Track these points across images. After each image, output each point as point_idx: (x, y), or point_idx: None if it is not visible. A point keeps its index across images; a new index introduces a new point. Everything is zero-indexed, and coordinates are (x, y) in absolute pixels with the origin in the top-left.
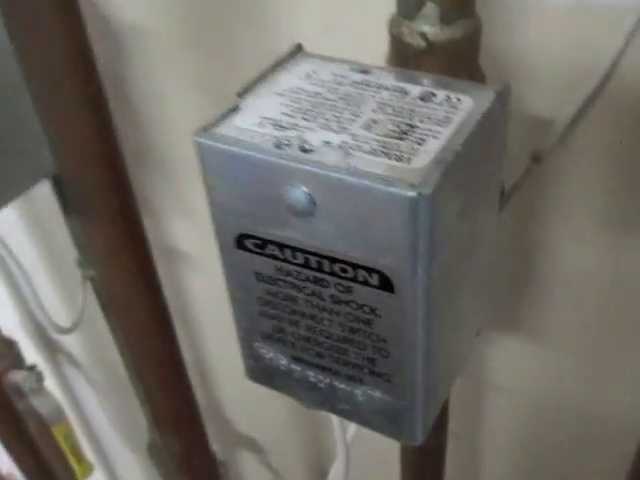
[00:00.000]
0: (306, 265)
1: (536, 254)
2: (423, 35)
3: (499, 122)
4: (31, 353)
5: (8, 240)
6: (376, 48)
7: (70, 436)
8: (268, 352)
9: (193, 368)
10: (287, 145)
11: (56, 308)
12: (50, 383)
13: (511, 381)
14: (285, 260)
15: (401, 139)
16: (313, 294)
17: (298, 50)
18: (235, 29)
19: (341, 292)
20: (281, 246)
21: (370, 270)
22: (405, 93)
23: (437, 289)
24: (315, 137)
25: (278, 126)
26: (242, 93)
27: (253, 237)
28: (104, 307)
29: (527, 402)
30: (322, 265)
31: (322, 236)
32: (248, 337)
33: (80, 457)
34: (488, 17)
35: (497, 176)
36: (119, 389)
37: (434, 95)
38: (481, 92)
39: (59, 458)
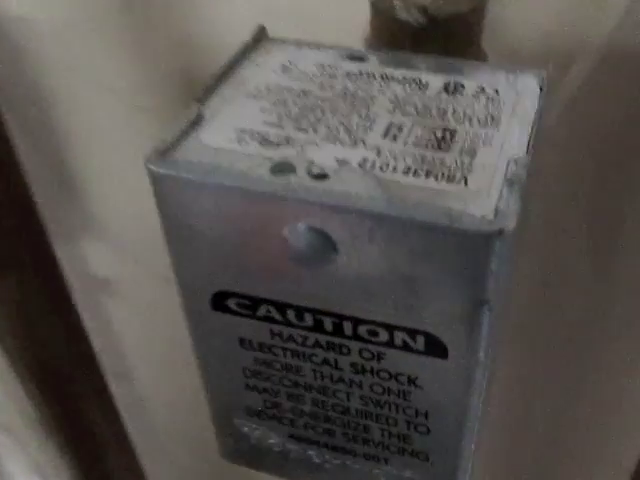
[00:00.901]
0: (317, 328)
1: None
2: (422, 9)
3: (543, 115)
4: None
5: None
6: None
7: None
8: (254, 430)
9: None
10: (289, 170)
11: None
12: None
13: None
14: (286, 323)
15: (442, 149)
16: (326, 363)
17: (262, 35)
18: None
19: (367, 360)
20: (281, 305)
21: (413, 332)
22: (422, 85)
23: (492, 345)
24: (323, 155)
25: (265, 141)
26: (203, 98)
27: (238, 295)
28: None
29: None
30: (342, 328)
31: (343, 290)
32: (226, 413)
33: None
34: None
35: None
36: None
37: (461, 86)
38: (517, 79)
39: None
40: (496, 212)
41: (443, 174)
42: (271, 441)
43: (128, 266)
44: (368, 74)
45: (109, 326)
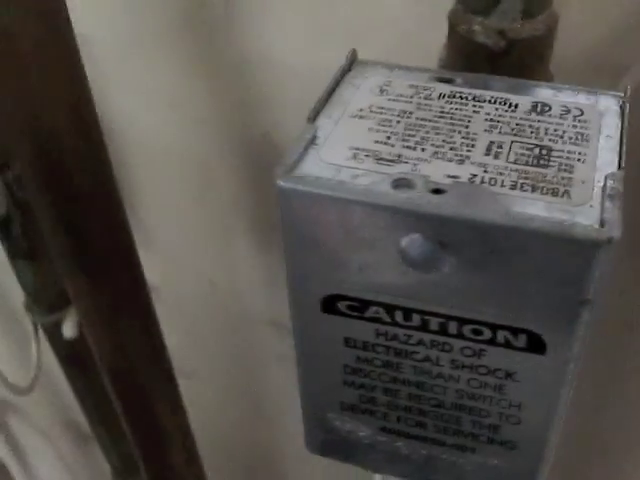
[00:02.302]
0: (423, 328)
1: None
2: (501, 33)
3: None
4: None
5: None
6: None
7: None
8: (345, 424)
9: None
10: (407, 186)
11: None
12: None
13: None
14: (393, 323)
15: (541, 166)
16: (427, 360)
17: (354, 58)
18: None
19: (468, 356)
20: (390, 307)
21: (515, 330)
22: (512, 105)
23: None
24: (434, 171)
25: (379, 159)
26: (313, 117)
27: (349, 298)
28: (61, 357)
29: None
30: (446, 327)
31: (452, 293)
32: (320, 408)
33: None
34: None
35: None
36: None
37: (548, 107)
38: (598, 100)
39: None
40: (602, 222)
41: (547, 189)
42: (361, 434)
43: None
44: (461, 95)
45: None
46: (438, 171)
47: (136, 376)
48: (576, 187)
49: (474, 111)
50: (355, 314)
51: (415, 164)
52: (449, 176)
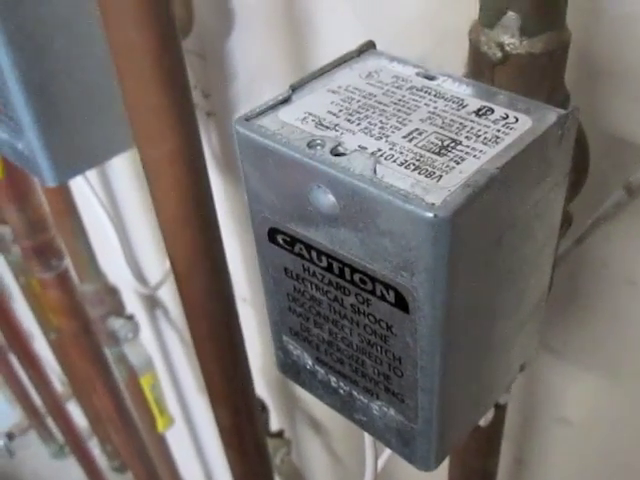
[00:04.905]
0: (329, 270)
1: (622, 292)
2: (500, 45)
3: (556, 149)
4: (133, 304)
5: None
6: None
7: (156, 388)
8: (295, 349)
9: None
10: (320, 146)
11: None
12: (145, 335)
13: (582, 416)
14: (311, 261)
15: (439, 154)
16: (335, 300)
17: (368, 47)
18: None
19: (361, 303)
20: (308, 246)
21: (387, 286)
22: (462, 105)
23: (459, 316)
24: (352, 141)
25: (320, 125)
26: (296, 86)
27: (283, 233)
28: None
29: (597, 440)
30: (344, 272)
31: (344, 243)
32: (278, 329)
33: (163, 409)
34: (592, 27)
35: (555, 208)
36: None
37: (491, 111)
38: (545, 114)
39: (142, 407)
40: (443, 203)
41: (427, 171)
42: (306, 360)
43: None
44: (428, 90)
45: None
46: (354, 141)
47: None
48: (451, 175)
49: (425, 104)
50: (288, 248)
51: (342, 133)
52: (360, 146)
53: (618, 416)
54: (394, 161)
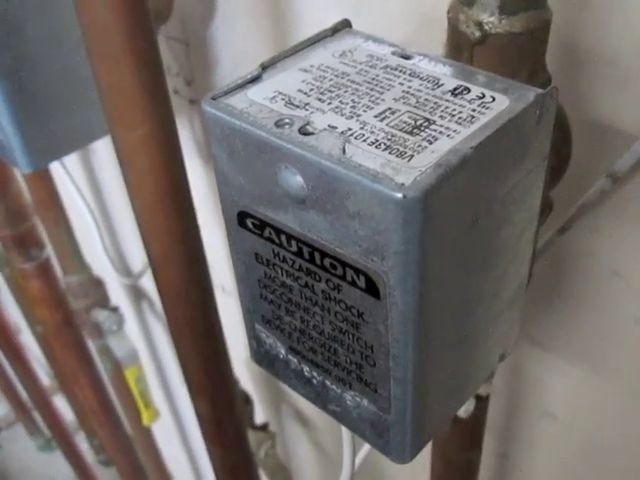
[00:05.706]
0: (299, 254)
1: (607, 283)
2: (479, 24)
3: (534, 130)
4: (119, 296)
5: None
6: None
7: (141, 380)
8: (268, 337)
9: None
10: (288, 125)
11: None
12: (131, 327)
13: (566, 410)
14: (281, 246)
15: (411, 134)
16: (306, 286)
17: (343, 26)
18: None
19: (331, 289)
20: (277, 230)
21: (358, 271)
22: (437, 85)
23: (432, 302)
24: (321, 120)
25: (289, 103)
26: (267, 64)
27: (253, 217)
28: None
29: (582, 434)
30: (314, 257)
31: (313, 226)
32: (250, 317)
33: (148, 402)
34: (576, 12)
35: (534, 192)
36: None
37: (468, 91)
38: (523, 94)
39: (127, 400)
40: (413, 183)
41: (398, 151)
42: (278, 349)
43: None
44: (402, 69)
45: None
46: (324, 120)
47: None
48: (423, 154)
49: (400, 83)
50: (258, 232)
51: (312, 112)
52: (329, 126)
53: (602, 410)
54: (364, 140)
